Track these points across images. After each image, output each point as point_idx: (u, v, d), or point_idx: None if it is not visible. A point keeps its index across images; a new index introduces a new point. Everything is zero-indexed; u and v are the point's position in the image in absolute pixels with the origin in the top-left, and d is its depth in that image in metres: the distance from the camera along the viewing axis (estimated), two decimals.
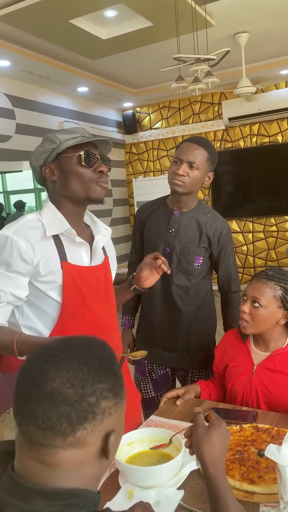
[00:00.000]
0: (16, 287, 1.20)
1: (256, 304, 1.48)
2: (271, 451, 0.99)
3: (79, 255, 1.29)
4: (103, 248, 1.39)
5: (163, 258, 1.36)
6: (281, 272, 1.53)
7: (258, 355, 1.58)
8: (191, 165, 1.72)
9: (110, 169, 1.29)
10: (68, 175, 1.23)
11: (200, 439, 0.89)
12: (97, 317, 1.30)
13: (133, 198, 6.32)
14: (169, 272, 1.39)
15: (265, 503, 1.05)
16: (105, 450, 0.66)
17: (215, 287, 1.97)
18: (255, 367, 1.56)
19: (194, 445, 0.90)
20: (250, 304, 1.50)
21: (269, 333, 1.54)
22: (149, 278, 1.40)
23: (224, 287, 1.91)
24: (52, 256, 1.23)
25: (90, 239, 1.35)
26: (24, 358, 1.26)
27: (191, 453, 0.92)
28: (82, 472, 0.66)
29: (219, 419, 0.93)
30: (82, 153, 1.21)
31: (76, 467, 0.65)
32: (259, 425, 1.34)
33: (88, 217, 1.40)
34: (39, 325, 1.27)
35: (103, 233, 1.38)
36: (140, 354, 1.35)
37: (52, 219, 1.25)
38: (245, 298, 1.54)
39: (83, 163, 1.22)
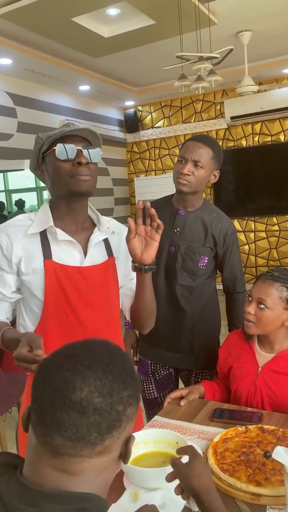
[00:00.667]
0: (1, 284, 1.22)
1: (262, 306, 1.47)
2: (278, 453, 0.98)
3: (70, 254, 1.25)
4: (109, 248, 1.34)
5: (141, 204, 1.21)
6: (287, 273, 1.52)
7: (263, 356, 1.57)
8: (196, 164, 1.70)
9: (91, 161, 1.20)
10: (51, 172, 1.21)
11: (185, 475, 0.88)
12: (83, 319, 1.26)
13: (134, 197, 6.31)
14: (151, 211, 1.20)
15: (271, 505, 1.04)
16: (125, 455, 0.67)
17: (219, 287, 1.95)
18: (259, 368, 1.55)
19: (182, 484, 0.89)
20: (256, 305, 1.49)
21: (274, 334, 1.53)
22: (145, 250, 1.21)
23: (229, 288, 1.90)
24: (36, 254, 1.21)
25: (85, 239, 1.30)
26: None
27: (184, 498, 0.90)
28: (102, 477, 0.65)
29: (193, 451, 0.92)
30: (55, 147, 1.17)
31: (98, 474, 0.64)
32: (265, 426, 1.33)
33: (95, 216, 1.36)
34: (28, 323, 1.27)
35: (102, 231, 1.31)
36: None
37: (42, 217, 1.25)
38: (250, 299, 1.52)
39: (57, 157, 1.17)
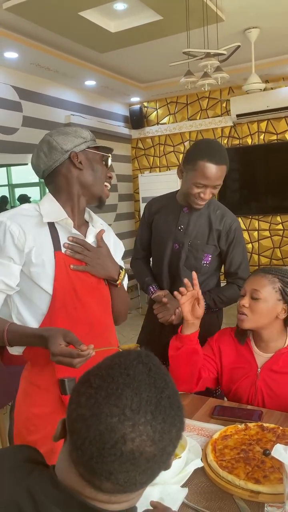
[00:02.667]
0: (8, 275, 1.19)
1: (256, 297, 1.47)
2: (278, 451, 0.97)
3: None
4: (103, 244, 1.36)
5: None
6: (280, 268, 1.54)
7: (261, 356, 1.55)
8: (215, 187, 1.70)
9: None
10: (95, 168, 1.30)
11: None
12: (90, 312, 1.28)
13: (138, 193, 6.29)
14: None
15: (270, 503, 1.04)
16: (168, 466, 0.66)
17: (222, 285, 1.95)
18: (259, 369, 1.54)
19: None
20: (249, 298, 1.48)
21: (269, 330, 1.51)
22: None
23: (231, 274, 1.87)
24: (46, 245, 1.22)
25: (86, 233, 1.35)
26: (14, 351, 1.27)
27: None
28: (142, 494, 0.66)
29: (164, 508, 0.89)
30: (106, 155, 1.33)
31: (140, 494, 0.65)
32: (264, 424, 1.33)
33: (87, 213, 1.40)
34: (28, 318, 1.24)
35: (96, 227, 1.37)
36: (134, 346, 1.34)
37: (50, 208, 1.26)
38: (243, 294, 1.51)
39: (104, 162, 1.33)
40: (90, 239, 1.33)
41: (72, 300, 1.24)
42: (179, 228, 1.81)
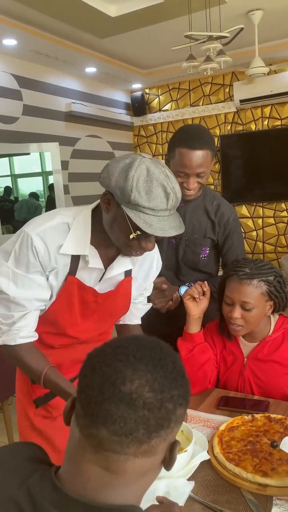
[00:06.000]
0: (39, 288, 1.15)
1: (248, 308, 1.43)
2: (286, 444, 0.95)
3: (90, 275, 1.21)
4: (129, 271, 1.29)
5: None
6: (257, 266, 1.46)
7: (247, 346, 1.55)
8: (199, 175, 1.59)
9: (155, 246, 1.14)
10: (115, 228, 1.10)
11: None
12: (77, 331, 1.26)
13: None
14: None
15: (278, 496, 1.02)
16: (169, 460, 0.64)
17: None
18: (245, 359, 1.53)
19: None
20: (240, 309, 1.44)
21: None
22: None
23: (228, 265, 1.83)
24: (64, 268, 1.17)
25: (112, 257, 1.23)
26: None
27: None
28: (143, 481, 0.63)
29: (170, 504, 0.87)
30: (135, 233, 1.04)
31: (140, 476, 0.62)
32: (271, 415, 1.31)
33: None
34: None
35: (128, 260, 1.23)
36: None
37: (78, 235, 1.15)
38: (229, 303, 1.47)
39: (130, 238, 1.07)
40: (115, 271, 1.22)
41: (64, 321, 1.23)
42: None
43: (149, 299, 1.55)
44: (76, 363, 1.33)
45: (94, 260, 1.17)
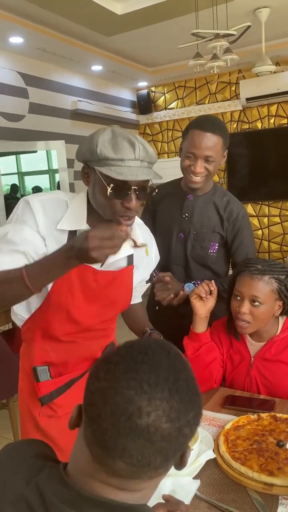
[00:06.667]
0: (37, 241, 1.13)
1: (256, 303, 1.43)
2: None
3: None
4: (131, 257, 1.29)
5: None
6: (269, 263, 1.47)
7: (254, 345, 1.54)
8: (207, 160, 1.60)
9: (143, 203, 1.18)
10: (96, 194, 1.12)
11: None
12: (79, 314, 1.25)
13: None
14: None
15: (284, 496, 1.02)
16: (181, 465, 0.64)
17: None
18: (252, 358, 1.52)
19: None
20: (249, 304, 1.44)
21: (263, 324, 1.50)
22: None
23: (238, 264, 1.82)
24: (59, 244, 1.15)
25: None
26: (17, 318, 1.26)
27: None
28: (153, 485, 0.63)
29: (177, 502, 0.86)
30: (110, 187, 1.06)
31: (154, 487, 0.62)
32: (277, 415, 1.31)
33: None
34: (18, 308, 1.25)
35: (127, 247, 1.21)
36: None
37: (75, 212, 1.18)
38: (238, 298, 1.46)
39: (108, 195, 1.07)
40: (113, 257, 1.19)
41: (67, 302, 1.22)
42: (184, 216, 1.76)
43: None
44: (82, 361, 1.33)
45: None
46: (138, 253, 1.32)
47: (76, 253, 0.95)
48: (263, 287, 1.42)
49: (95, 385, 0.60)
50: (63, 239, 1.16)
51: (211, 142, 1.57)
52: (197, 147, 1.57)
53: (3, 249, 1.10)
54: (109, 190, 1.06)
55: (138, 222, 1.31)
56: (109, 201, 1.09)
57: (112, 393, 0.57)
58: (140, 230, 1.32)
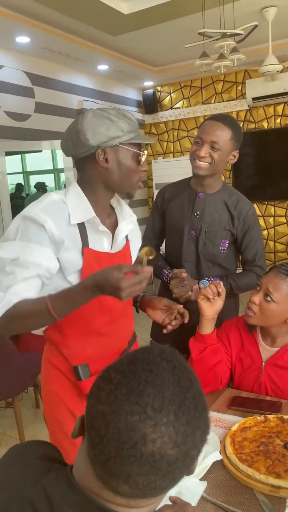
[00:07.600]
0: (48, 259, 1.14)
1: (268, 298, 1.42)
2: None
3: (101, 241, 1.27)
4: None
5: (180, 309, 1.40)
6: None
7: (266, 350, 1.52)
8: (213, 146, 1.64)
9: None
10: (123, 167, 1.21)
11: None
12: (113, 303, 1.24)
13: (152, 179, 6.22)
14: (186, 320, 1.40)
15: None
16: (189, 474, 0.62)
17: None
18: (263, 363, 1.51)
19: None
20: (262, 296, 1.43)
21: (276, 328, 1.49)
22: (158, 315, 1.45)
23: (248, 262, 1.82)
24: (75, 241, 1.19)
25: (114, 224, 1.32)
26: (37, 331, 1.27)
27: None
28: (163, 498, 0.63)
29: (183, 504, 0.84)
30: (140, 152, 1.22)
31: (161, 499, 0.61)
32: (284, 416, 1.30)
33: (115, 200, 1.36)
34: None
35: (128, 220, 1.35)
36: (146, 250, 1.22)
37: (77, 204, 1.21)
38: (258, 288, 1.47)
39: (138, 160, 1.23)
40: (123, 233, 1.31)
41: None
42: (195, 214, 1.78)
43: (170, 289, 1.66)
44: (113, 355, 1.32)
45: (100, 223, 1.24)
46: (127, 231, 1.36)
47: (105, 294, 1.04)
48: (282, 287, 1.41)
49: (96, 407, 0.57)
50: (75, 233, 1.19)
51: (219, 130, 1.64)
52: (205, 132, 1.65)
53: (16, 275, 1.09)
54: (144, 156, 1.22)
55: (117, 197, 1.37)
56: (139, 167, 1.23)
57: (115, 419, 0.54)
58: (124, 202, 1.39)
